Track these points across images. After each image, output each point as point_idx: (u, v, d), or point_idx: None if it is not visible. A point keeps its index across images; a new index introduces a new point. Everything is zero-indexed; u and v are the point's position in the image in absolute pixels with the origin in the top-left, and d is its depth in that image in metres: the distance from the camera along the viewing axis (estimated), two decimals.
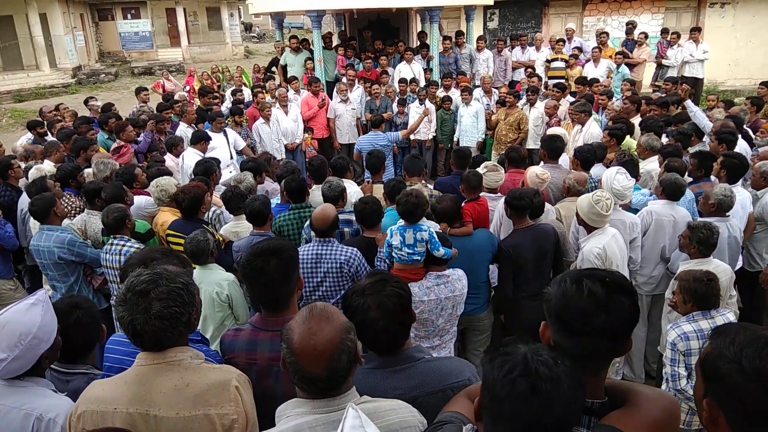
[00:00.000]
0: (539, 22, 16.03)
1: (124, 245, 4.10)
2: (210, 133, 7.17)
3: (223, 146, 7.44)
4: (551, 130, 6.78)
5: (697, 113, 6.58)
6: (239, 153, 7.77)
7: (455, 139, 9.37)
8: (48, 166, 6.06)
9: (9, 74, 22.15)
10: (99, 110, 9.39)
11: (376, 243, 3.98)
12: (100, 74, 24.51)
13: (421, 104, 9.20)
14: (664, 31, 12.40)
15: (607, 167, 5.08)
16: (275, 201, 5.11)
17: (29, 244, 4.74)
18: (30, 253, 4.93)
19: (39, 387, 2.09)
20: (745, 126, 6.87)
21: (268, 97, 9.42)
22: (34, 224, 4.94)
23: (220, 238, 4.36)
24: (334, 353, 1.61)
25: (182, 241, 3.86)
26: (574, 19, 15.53)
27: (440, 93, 9.67)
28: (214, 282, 3.60)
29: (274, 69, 12.04)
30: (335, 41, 11.77)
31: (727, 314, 3.30)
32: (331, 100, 9.61)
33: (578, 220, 4.16)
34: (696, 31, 12.00)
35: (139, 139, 7.38)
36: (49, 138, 7.70)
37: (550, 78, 10.53)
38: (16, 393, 2.03)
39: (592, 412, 1.49)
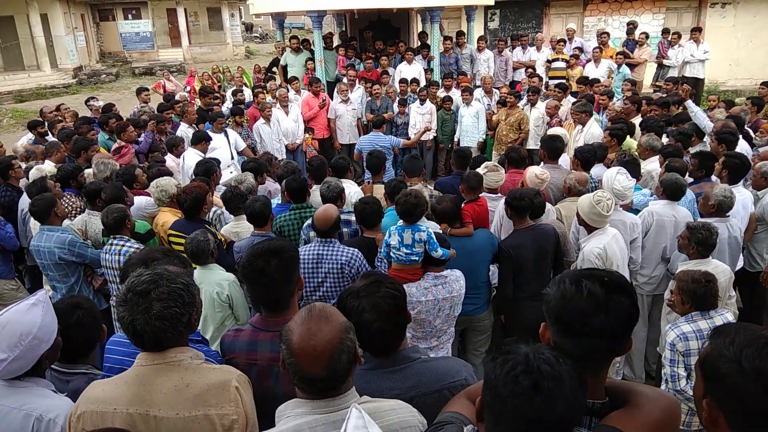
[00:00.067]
0: (540, 22, 16.03)
1: (123, 245, 4.10)
2: (211, 134, 7.17)
3: (224, 147, 7.44)
4: (552, 131, 6.78)
5: (698, 113, 6.58)
6: (240, 154, 7.78)
7: (456, 139, 9.37)
8: (48, 167, 6.07)
9: (10, 74, 22.17)
10: (99, 110, 9.39)
11: (376, 243, 3.98)
12: (101, 74, 24.53)
13: (422, 104, 9.20)
14: (665, 32, 12.39)
15: (608, 167, 5.08)
16: (276, 201, 5.11)
17: (29, 245, 4.75)
18: (30, 254, 4.93)
19: (39, 387, 2.09)
20: (745, 126, 6.86)
21: (268, 98, 9.42)
22: (34, 224, 4.95)
23: (222, 239, 4.36)
24: (333, 353, 1.61)
25: (184, 241, 3.87)
26: (574, 19, 15.52)
27: (441, 93, 9.67)
28: (214, 282, 3.60)
29: (274, 69, 12.05)
30: (336, 41, 11.78)
31: (726, 314, 3.29)
32: (332, 100, 9.61)
33: (579, 220, 4.16)
34: (697, 31, 11.99)
35: (139, 139, 7.38)
36: (50, 138, 7.71)
37: (550, 78, 10.53)
38: (16, 393, 2.03)
39: (593, 412, 1.50)
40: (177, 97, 10.30)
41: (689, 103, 6.83)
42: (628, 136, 6.41)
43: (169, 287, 1.91)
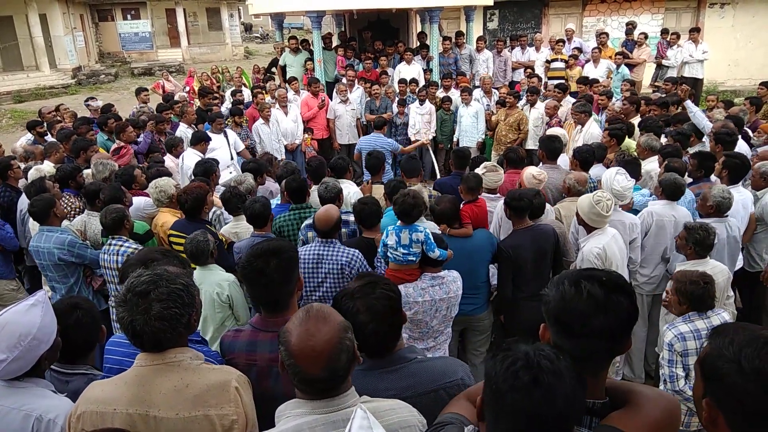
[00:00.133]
0: (539, 22, 16.04)
1: (121, 245, 4.10)
2: (210, 134, 7.16)
3: (224, 147, 7.44)
4: (551, 131, 6.79)
5: (696, 114, 6.58)
6: (238, 155, 7.78)
7: (455, 139, 9.37)
8: (47, 167, 6.06)
9: (9, 75, 22.15)
10: (98, 111, 9.39)
11: (376, 244, 3.98)
12: (100, 75, 24.52)
13: (421, 105, 9.20)
14: (664, 32, 12.41)
15: (607, 168, 5.08)
16: (275, 201, 5.11)
17: (28, 245, 4.75)
18: (29, 254, 4.93)
19: (38, 388, 2.09)
20: (745, 126, 6.87)
21: (267, 98, 9.42)
22: (33, 225, 4.94)
23: (223, 239, 4.36)
24: (333, 353, 1.61)
25: (184, 241, 3.86)
26: (573, 20, 15.54)
27: (440, 93, 9.67)
28: (214, 282, 3.60)
29: (273, 69, 12.05)
30: (335, 42, 11.77)
31: (723, 314, 3.29)
32: (331, 100, 9.62)
33: (578, 220, 4.16)
34: (695, 32, 12.00)
35: (138, 139, 7.38)
36: (49, 138, 7.70)
37: (549, 78, 10.54)
38: (16, 394, 2.03)
39: (593, 412, 1.50)
40: (176, 98, 10.29)
41: (688, 103, 6.83)
42: (626, 137, 6.41)
43: (168, 288, 1.91)
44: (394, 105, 9.45)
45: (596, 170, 5.47)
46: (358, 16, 12.29)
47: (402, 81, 9.72)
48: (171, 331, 1.90)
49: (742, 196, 4.69)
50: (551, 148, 5.59)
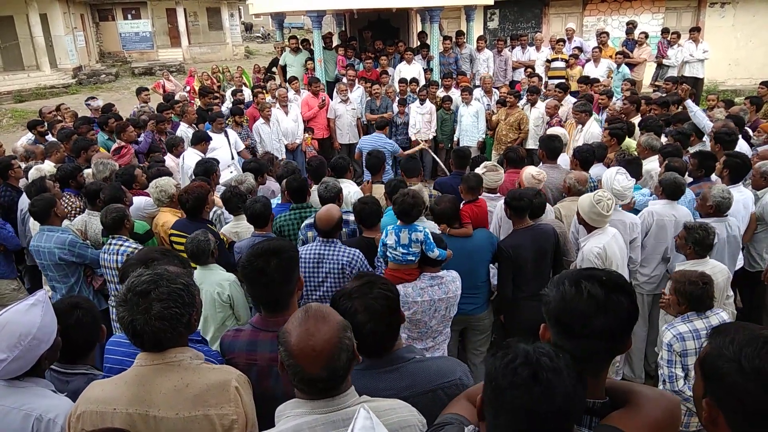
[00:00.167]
0: (539, 22, 16.03)
1: (121, 245, 4.10)
2: (211, 134, 7.17)
3: (225, 147, 7.44)
4: (551, 130, 6.78)
5: (697, 113, 6.58)
6: (238, 154, 7.78)
7: (455, 139, 9.37)
8: (48, 167, 6.06)
9: (9, 74, 22.16)
10: (98, 110, 9.39)
11: (376, 243, 3.98)
12: (101, 74, 24.52)
13: (421, 104, 9.20)
14: (665, 31, 12.40)
15: (608, 167, 5.08)
16: (276, 201, 5.11)
17: (29, 245, 4.75)
18: (30, 254, 4.93)
19: (39, 387, 2.09)
20: (745, 126, 6.86)
21: (268, 98, 9.42)
22: (33, 224, 4.94)
23: (224, 238, 4.36)
24: (332, 353, 1.61)
25: (185, 241, 3.86)
26: (574, 19, 15.53)
27: (440, 93, 9.67)
28: (215, 282, 3.60)
29: (274, 69, 12.05)
30: (335, 41, 11.77)
31: (721, 313, 3.29)
32: (332, 100, 9.62)
33: (579, 219, 4.16)
34: (695, 31, 11.99)
35: (139, 139, 7.38)
36: (50, 138, 7.70)
37: (550, 78, 10.53)
38: (16, 393, 2.03)
39: (593, 412, 1.50)
40: (177, 97, 10.29)
41: (689, 102, 6.83)
42: (627, 136, 6.41)
43: (169, 287, 1.91)
44: (395, 104, 9.45)
45: (597, 170, 5.46)
46: (358, 16, 12.29)
47: (402, 80, 9.72)
48: (171, 331, 1.90)
49: (743, 195, 4.68)
50: (551, 147, 5.59)
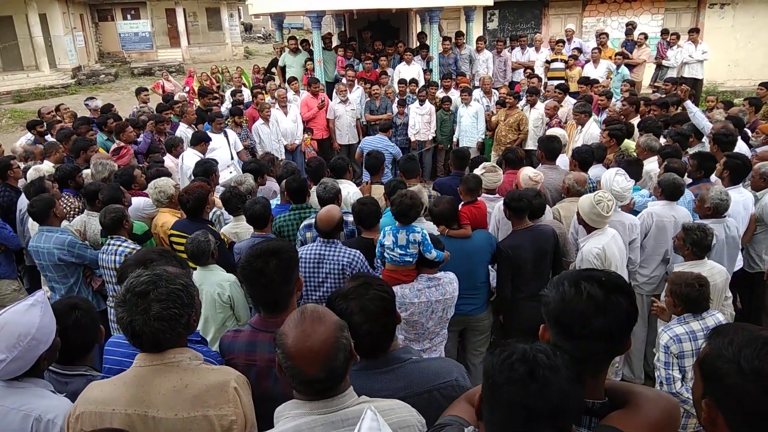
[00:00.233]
0: (539, 22, 16.04)
1: (120, 245, 4.09)
2: (210, 134, 7.17)
3: (224, 147, 7.44)
4: (551, 131, 6.79)
5: (696, 114, 6.58)
6: (237, 154, 7.77)
7: (455, 139, 9.37)
8: (46, 167, 6.06)
9: (9, 75, 22.14)
10: (97, 110, 9.38)
11: (375, 244, 3.97)
12: (100, 75, 24.51)
13: (421, 105, 9.20)
14: (664, 32, 12.41)
15: (607, 168, 5.08)
16: (275, 202, 5.11)
17: (27, 245, 4.74)
18: (29, 254, 4.92)
19: (38, 388, 2.09)
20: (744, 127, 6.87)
21: (267, 98, 9.42)
22: (32, 225, 4.94)
23: (225, 238, 4.36)
24: (330, 353, 1.61)
25: (185, 241, 3.86)
26: (573, 20, 15.54)
27: (440, 94, 9.68)
28: (215, 283, 3.60)
29: (273, 70, 12.05)
30: (335, 42, 11.77)
31: (717, 315, 3.29)
32: (331, 100, 9.62)
33: (579, 219, 4.16)
34: (694, 32, 12.01)
35: (138, 139, 7.38)
36: (49, 138, 7.70)
37: (549, 79, 10.54)
38: (15, 394, 2.03)
39: (592, 412, 1.50)
40: (176, 98, 10.30)
41: (688, 103, 6.83)
42: (626, 137, 6.41)
43: (168, 288, 1.90)
44: (394, 105, 9.46)
45: (596, 170, 5.46)
46: (358, 16, 12.29)
47: (402, 81, 9.72)
48: (170, 332, 1.90)
49: (743, 196, 4.68)
50: (550, 148, 5.59)
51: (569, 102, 8.49)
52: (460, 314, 3.89)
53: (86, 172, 5.77)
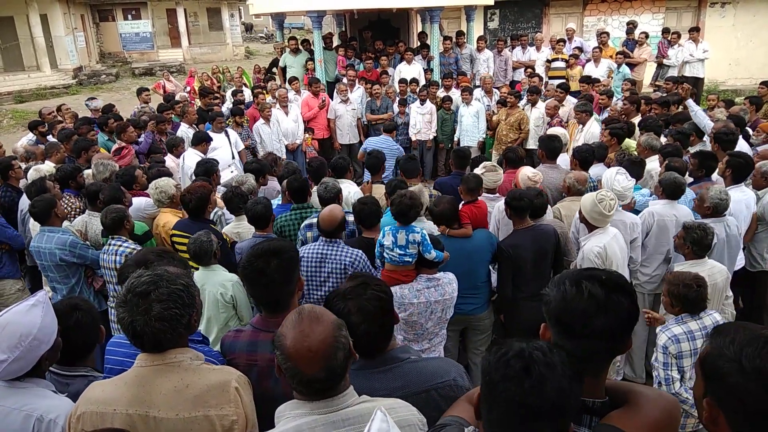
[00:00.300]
0: (540, 22, 16.03)
1: (120, 246, 4.10)
2: (212, 134, 7.18)
3: (225, 147, 7.45)
4: (551, 130, 6.78)
5: (698, 113, 6.57)
6: (238, 154, 7.78)
7: (456, 139, 9.37)
8: (47, 167, 6.06)
9: (10, 75, 22.17)
10: (98, 111, 9.38)
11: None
12: (101, 75, 24.53)
13: (421, 104, 9.20)
14: (665, 31, 12.41)
15: (608, 167, 5.07)
16: (276, 202, 5.11)
17: (29, 246, 4.75)
18: (30, 254, 4.93)
19: (39, 388, 2.09)
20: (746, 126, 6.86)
21: (268, 98, 9.42)
22: (33, 225, 4.94)
23: (227, 238, 4.36)
24: (329, 352, 1.61)
25: (187, 241, 3.86)
26: (574, 19, 15.53)
27: (441, 93, 9.67)
28: (218, 283, 3.60)
29: (274, 70, 12.05)
30: (336, 42, 11.77)
31: (715, 314, 3.29)
32: (332, 100, 9.61)
33: (580, 218, 4.15)
34: (695, 31, 11.99)
35: (140, 139, 7.39)
36: (51, 139, 7.71)
37: (550, 78, 10.53)
38: (17, 394, 2.03)
39: (593, 411, 1.50)
40: (177, 98, 10.30)
41: (690, 102, 6.83)
42: (627, 136, 6.40)
43: (169, 288, 1.91)
44: (395, 105, 9.46)
45: (597, 170, 5.46)
46: (358, 16, 12.29)
47: (402, 81, 9.72)
48: (171, 332, 1.90)
49: (745, 195, 4.67)
50: (551, 147, 5.59)
51: (570, 101, 8.48)
52: (461, 314, 3.89)
53: (87, 172, 5.77)
